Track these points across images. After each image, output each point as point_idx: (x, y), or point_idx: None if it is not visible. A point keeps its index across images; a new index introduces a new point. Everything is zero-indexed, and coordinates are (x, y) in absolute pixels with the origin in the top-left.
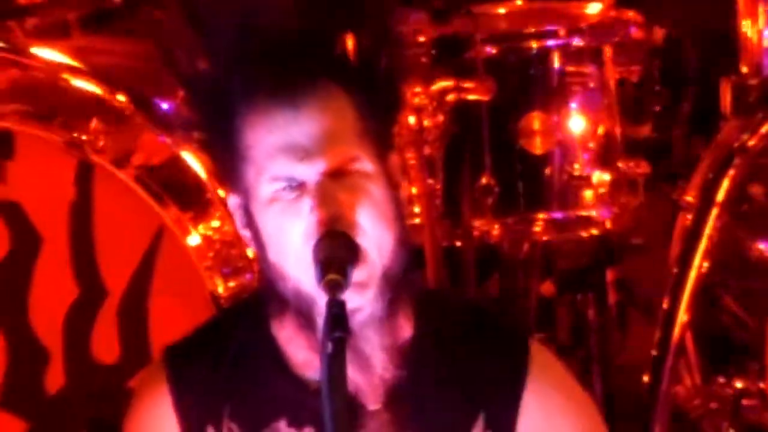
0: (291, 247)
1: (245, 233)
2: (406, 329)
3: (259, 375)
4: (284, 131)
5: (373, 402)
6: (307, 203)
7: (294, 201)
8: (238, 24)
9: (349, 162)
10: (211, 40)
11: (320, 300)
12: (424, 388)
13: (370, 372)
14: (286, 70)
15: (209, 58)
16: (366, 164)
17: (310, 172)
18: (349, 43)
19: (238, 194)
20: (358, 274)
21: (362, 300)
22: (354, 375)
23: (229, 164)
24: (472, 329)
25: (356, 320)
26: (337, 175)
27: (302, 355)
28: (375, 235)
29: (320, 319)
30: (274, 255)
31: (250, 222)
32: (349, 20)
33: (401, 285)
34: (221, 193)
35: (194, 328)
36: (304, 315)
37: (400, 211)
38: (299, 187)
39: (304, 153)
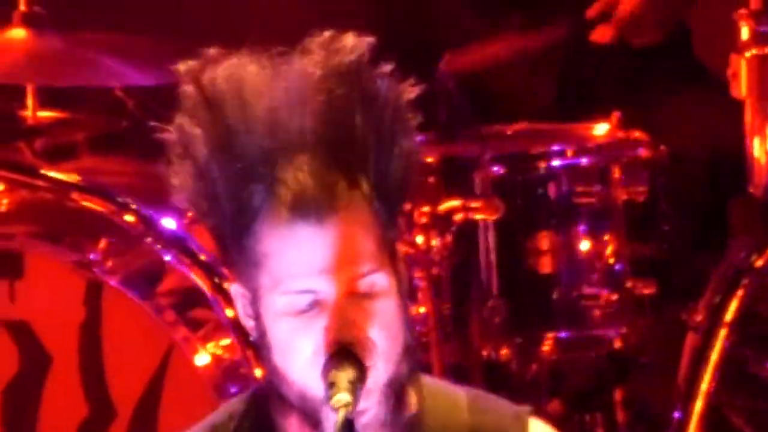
0: (300, 358)
1: (248, 322)
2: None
3: None
4: (306, 248)
5: None
6: (321, 321)
7: (308, 317)
8: (265, 127)
9: (368, 281)
10: (236, 141)
11: (327, 406)
12: None
13: None
14: (312, 180)
15: (233, 161)
16: (383, 281)
17: (330, 292)
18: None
19: (244, 288)
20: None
21: (366, 404)
22: None
23: (241, 265)
24: (472, 413)
25: (361, 423)
26: (354, 294)
27: None
28: (384, 350)
29: (326, 421)
30: (279, 359)
31: (256, 318)
32: (371, 131)
33: (405, 389)
34: (230, 312)
35: (196, 425)
36: (309, 417)
37: (408, 320)
38: (315, 302)
39: (325, 271)
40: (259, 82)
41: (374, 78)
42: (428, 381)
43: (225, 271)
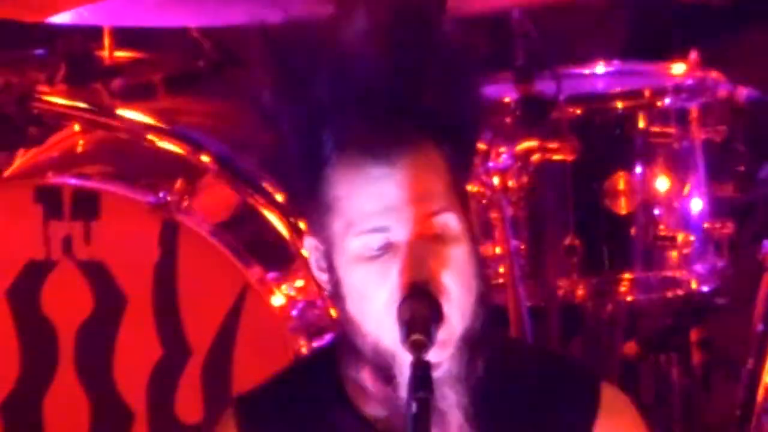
0: (374, 305)
1: (321, 276)
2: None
3: (328, 417)
4: (378, 187)
5: None
6: (395, 264)
7: (382, 261)
8: (333, 73)
9: (439, 222)
10: (305, 88)
11: (400, 356)
12: None
13: (446, 430)
14: (382, 124)
15: (302, 106)
16: (454, 223)
17: (403, 232)
18: (438, 95)
19: (317, 239)
20: (439, 333)
21: (441, 356)
22: None
23: (313, 212)
24: (542, 373)
25: (434, 377)
26: (427, 236)
27: (375, 410)
28: (457, 297)
29: (399, 375)
30: (353, 309)
31: (330, 269)
32: (438, 72)
33: (480, 344)
34: (305, 253)
35: (267, 379)
36: (382, 370)
37: (481, 269)
38: (390, 247)
39: (396, 208)
40: (326, 28)
41: (442, 22)
42: (502, 338)
43: None
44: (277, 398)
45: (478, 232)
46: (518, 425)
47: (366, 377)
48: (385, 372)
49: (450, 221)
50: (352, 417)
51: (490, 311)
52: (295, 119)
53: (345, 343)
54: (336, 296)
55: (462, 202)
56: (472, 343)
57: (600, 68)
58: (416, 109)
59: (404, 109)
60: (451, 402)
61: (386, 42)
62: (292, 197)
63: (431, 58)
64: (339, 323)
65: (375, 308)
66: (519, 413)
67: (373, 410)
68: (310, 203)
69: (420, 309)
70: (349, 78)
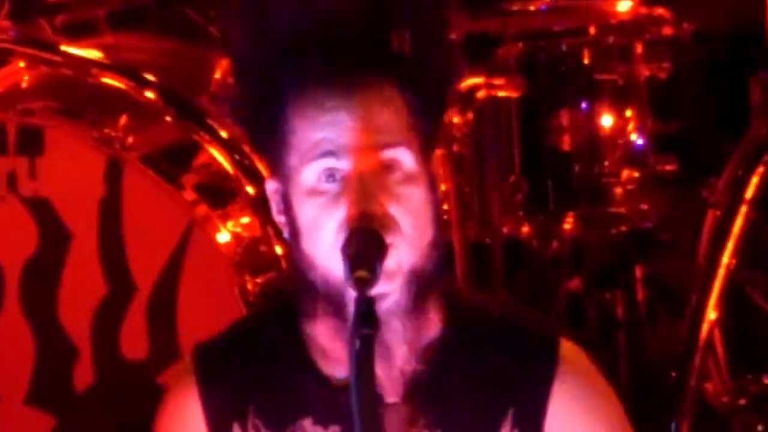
0: (324, 237)
1: (280, 219)
2: (433, 328)
3: (286, 374)
4: (333, 121)
5: (391, 394)
6: (344, 197)
7: (333, 194)
8: (295, 7)
9: (390, 162)
10: (266, 21)
11: (349, 290)
12: (448, 384)
13: (391, 363)
14: (342, 59)
15: (264, 40)
16: (408, 160)
17: (355, 164)
18: (404, 38)
19: (277, 180)
20: (386, 263)
21: (388, 287)
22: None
23: (271, 149)
24: (501, 328)
25: (381, 307)
26: (380, 171)
27: (335, 370)
28: (410, 233)
29: (350, 306)
30: (306, 244)
31: (287, 208)
32: (405, 16)
33: (431, 282)
34: (250, 190)
35: (224, 327)
36: (333, 302)
37: (437, 212)
38: (341, 179)
39: (350, 145)
40: None
41: None
42: (461, 294)
43: (246, 147)
44: (237, 353)
45: (440, 179)
46: (472, 372)
47: (320, 323)
48: (335, 303)
49: (403, 157)
50: (312, 378)
51: (443, 258)
52: (258, 54)
53: (301, 290)
54: (292, 234)
55: (424, 148)
56: (421, 280)
57: (545, 4)
58: (380, 50)
59: (368, 49)
60: (398, 337)
61: None
62: (251, 136)
63: (405, 7)
64: (294, 265)
65: (325, 240)
66: (474, 360)
67: (334, 371)
68: (269, 141)
69: (365, 244)
70: (312, 14)
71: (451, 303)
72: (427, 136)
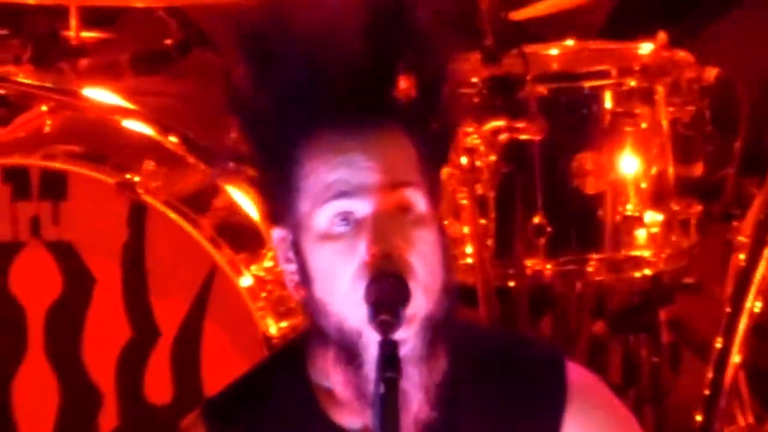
0: (340, 284)
1: (288, 267)
2: (440, 367)
3: (298, 425)
4: (345, 164)
5: None
6: (362, 241)
7: (348, 239)
8: (302, 52)
9: (406, 203)
10: (275, 69)
11: (366, 335)
12: (460, 425)
13: (407, 410)
14: (352, 104)
15: (273, 87)
16: (420, 203)
17: (368, 208)
18: (409, 81)
19: (285, 228)
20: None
21: (406, 334)
22: None
23: (281, 196)
24: (506, 360)
25: (399, 354)
26: (393, 215)
27: (347, 420)
28: (424, 278)
29: (365, 354)
30: (320, 291)
31: (298, 255)
32: (411, 59)
33: (443, 328)
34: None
35: (234, 380)
36: (347, 350)
37: (447, 256)
38: (355, 223)
39: (364, 189)
40: (300, 8)
41: (416, 7)
42: (464, 325)
43: None
44: (247, 403)
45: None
46: (482, 410)
47: (331, 369)
48: (349, 352)
49: (416, 199)
50: (325, 429)
51: (454, 302)
52: (266, 101)
53: (313, 337)
54: (303, 282)
55: (431, 191)
56: (435, 326)
57: (567, 47)
58: (387, 93)
59: (376, 92)
60: (414, 382)
61: (361, 25)
62: (260, 184)
63: (405, 46)
64: (305, 313)
65: (341, 286)
66: (483, 398)
67: (346, 420)
68: (278, 188)
69: (387, 289)
70: (320, 59)
71: (454, 340)
72: (433, 179)
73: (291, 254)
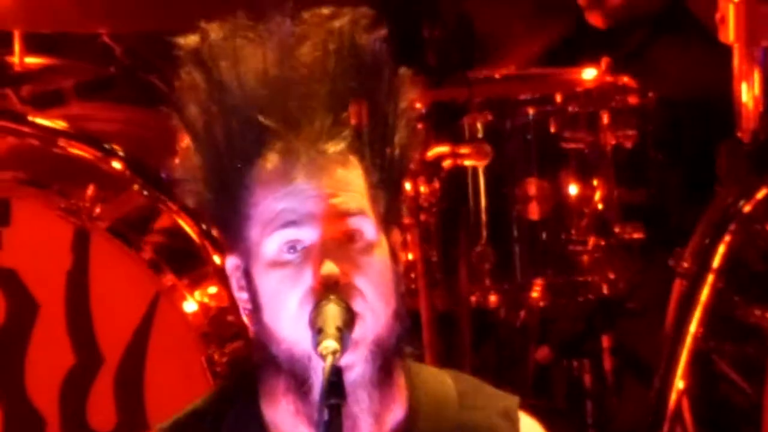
0: (288, 309)
1: (241, 296)
2: (399, 407)
3: None
4: (294, 191)
5: None
6: (308, 268)
7: (296, 266)
8: (253, 80)
9: (353, 231)
10: (230, 95)
11: (315, 359)
12: None
13: None
14: (300, 132)
15: (222, 114)
16: (370, 230)
17: (315, 236)
18: (360, 108)
19: (237, 256)
20: (353, 333)
21: (353, 357)
22: None
23: (232, 224)
24: (462, 407)
25: (347, 378)
26: (341, 242)
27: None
28: (372, 302)
29: (313, 380)
30: (269, 317)
31: (249, 283)
32: (364, 86)
33: (394, 353)
34: (217, 259)
35: (190, 398)
36: (296, 376)
37: (398, 283)
38: (303, 251)
39: (310, 217)
40: (255, 38)
41: (369, 44)
42: (417, 369)
43: None
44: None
45: (400, 253)
46: None
47: (281, 398)
48: (299, 378)
49: (364, 227)
50: None
51: (406, 328)
52: (220, 126)
53: (265, 369)
54: (254, 308)
55: (384, 221)
56: (385, 350)
57: (511, 72)
58: (342, 122)
59: (327, 121)
60: (363, 407)
61: (311, 53)
62: (211, 211)
63: (355, 73)
64: (258, 343)
65: (288, 312)
66: None
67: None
68: (229, 216)
69: (332, 315)
70: (271, 86)
71: (414, 382)
72: (387, 206)
73: (243, 282)
